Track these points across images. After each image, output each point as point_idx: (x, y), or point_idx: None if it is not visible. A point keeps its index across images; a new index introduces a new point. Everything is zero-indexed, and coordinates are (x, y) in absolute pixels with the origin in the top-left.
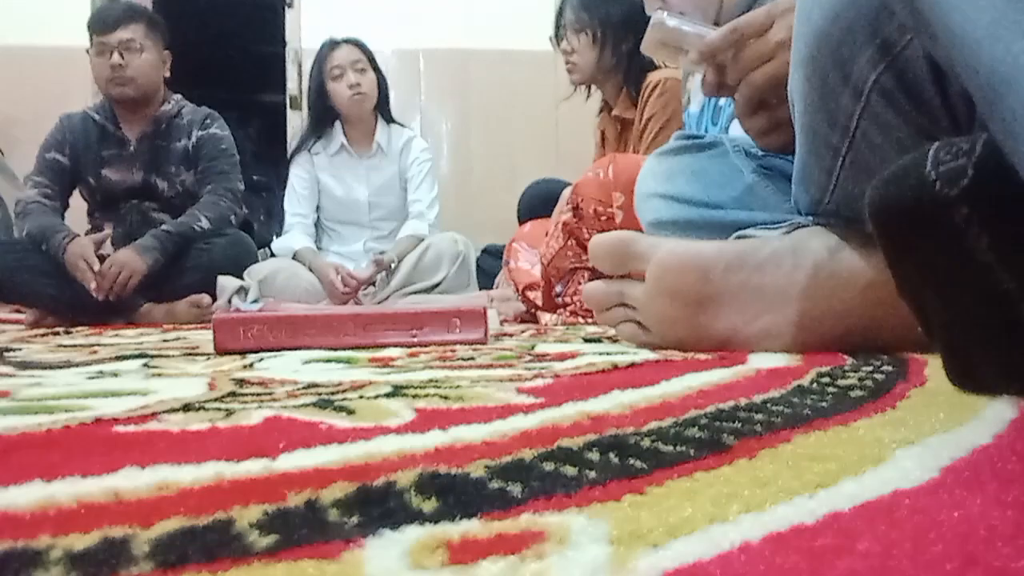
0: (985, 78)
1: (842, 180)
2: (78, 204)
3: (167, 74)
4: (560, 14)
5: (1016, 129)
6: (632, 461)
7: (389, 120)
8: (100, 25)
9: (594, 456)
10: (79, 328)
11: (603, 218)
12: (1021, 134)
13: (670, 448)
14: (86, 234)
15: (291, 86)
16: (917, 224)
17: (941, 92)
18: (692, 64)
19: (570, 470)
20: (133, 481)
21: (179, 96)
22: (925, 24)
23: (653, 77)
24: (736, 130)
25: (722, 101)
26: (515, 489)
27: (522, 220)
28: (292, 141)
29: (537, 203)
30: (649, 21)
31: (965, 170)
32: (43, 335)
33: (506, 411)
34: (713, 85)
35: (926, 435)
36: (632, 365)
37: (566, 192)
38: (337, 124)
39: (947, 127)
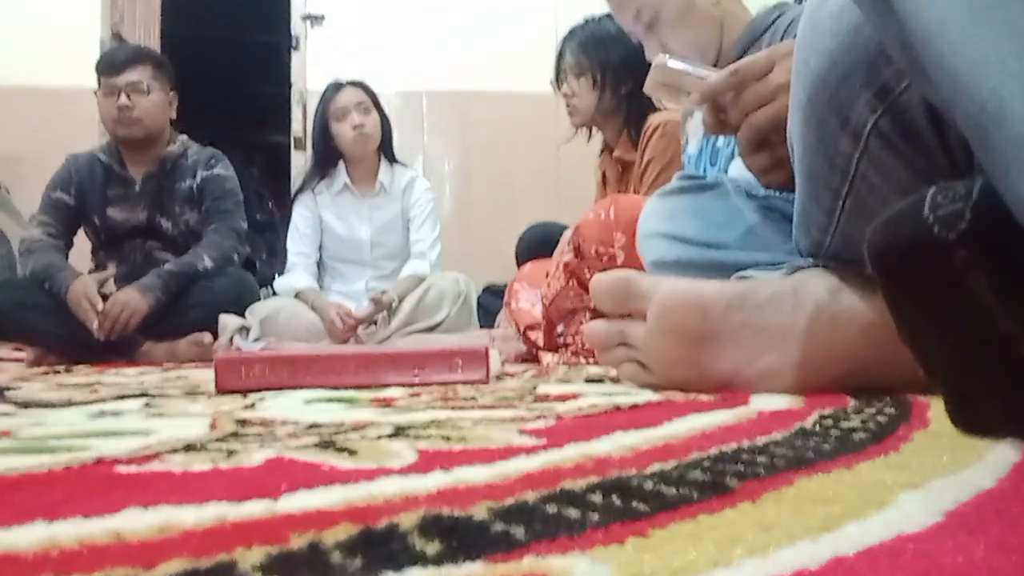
0: (976, 117)
1: (842, 222)
2: (82, 242)
3: (173, 115)
4: (560, 58)
5: (1005, 165)
6: (635, 503)
7: (392, 160)
8: (108, 67)
9: (597, 498)
10: (79, 367)
11: (604, 259)
12: (1010, 170)
13: (673, 490)
14: (89, 273)
15: (295, 127)
16: (917, 267)
17: (939, 135)
18: (694, 105)
19: (573, 512)
20: (135, 522)
21: (185, 136)
22: (920, 67)
23: (653, 119)
24: (735, 171)
25: (720, 142)
26: (518, 531)
27: (520, 262)
28: (296, 181)
29: (535, 246)
30: (648, 64)
31: (963, 214)
32: (44, 373)
33: (508, 452)
34: (714, 125)
35: (929, 478)
36: (634, 406)
37: (567, 233)
38: (341, 164)
39: (945, 170)
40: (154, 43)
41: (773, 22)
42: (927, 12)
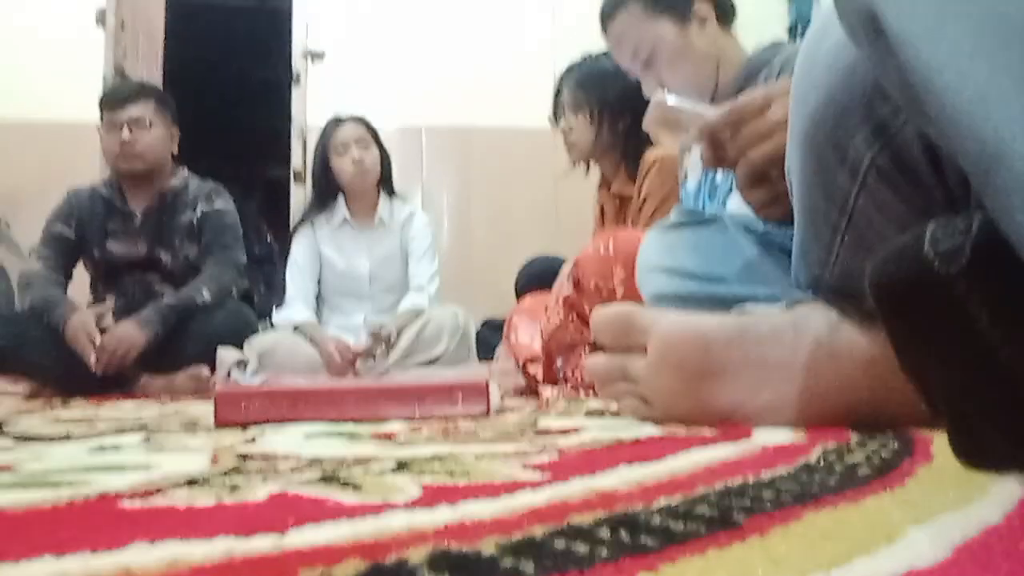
0: (977, 157)
1: (841, 257)
2: (81, 275)
3: (175, 150)
4: (558, 94)
5: (1007, 203)
6: (644, 538)
7: (391, 194)
8: (111, 102)
9: (605, 533)
10: (76, 400)
11: (604, 293)
12: (1012, 208)
13: (681, 525)
14: (88, 306)
15: (295, 161)
16: (918, 302)
17: (936, 172)
18: (692, 141)
19: (582, 547)
20: (144, 558)
21: (185, 170)
22: (918, 105)
23: (650, 155)
24: (733, 206)
25: (719, 178)
26: (528, 567)
27: (520, 295)
28: (295, 214)
29: (534, 279)
30: (645, 100)
31: (963, 248)
32: (40, 407)
33: (513, 487)
34: (712, 160)
35: (936, 513)
36: (637, 441)
37: (566, 267)
38: (340, 198)
39: (943, 205)
40: (157, 79)
41: (769, 60)
42: (927, 53)
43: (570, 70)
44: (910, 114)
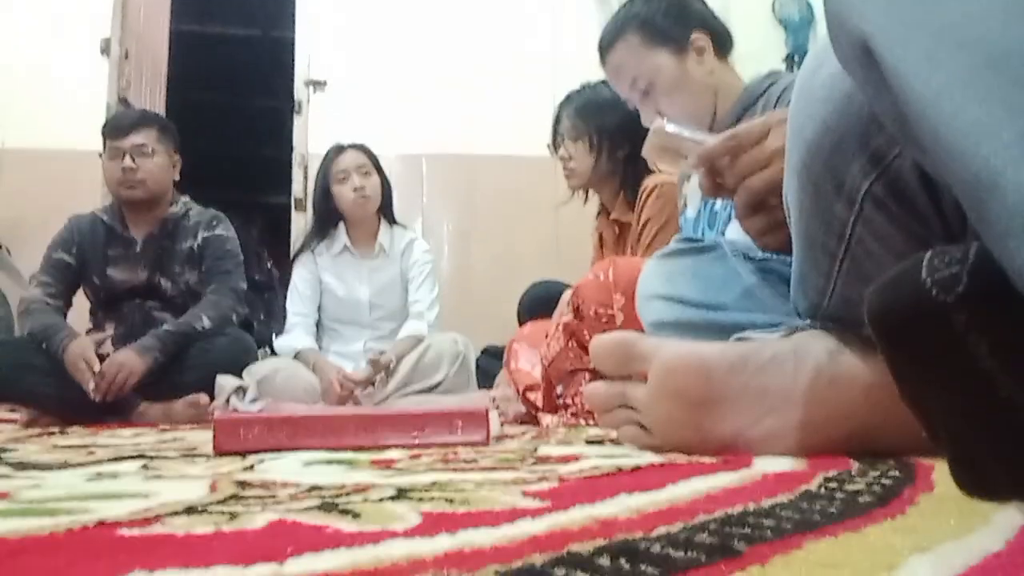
0: (971, 186)
1: (840, 285)
2: (81, 302)
3: (176, 177)
4: (557, 122)
5: (1001, 233)
6: (643, 567)
7: (392, 222)
8: (114, 130)
9: (605, 562)
10: (74, 428)
11: (604, 320)
12: (1006, 238)
13: (681, 554)
14: (87, 332)
15: (296, 188)
16: (916, 331)
17: (932, 200)
18: (691, 168)
19: None
20: None
21: (187, 198)
22: (912, 134)
23: (649, 181)
24: (732, 234)
25: (718, 206)
26: None
27: (523, 321)
28: (295, 242)
29: (538, 304)
30: (643, 128)
31: (959, 277)
32: (38, 435)
33: (513, 515)
34: (711, 188)
35: (937, 542)
36: (637, 468)
37: (566, 294)
38: (341, 225)
39: (940, 234)
40: (159, 108)
41: (766, 90)
42: (921, 85)
43: (569, 99)
44: (905, 144)
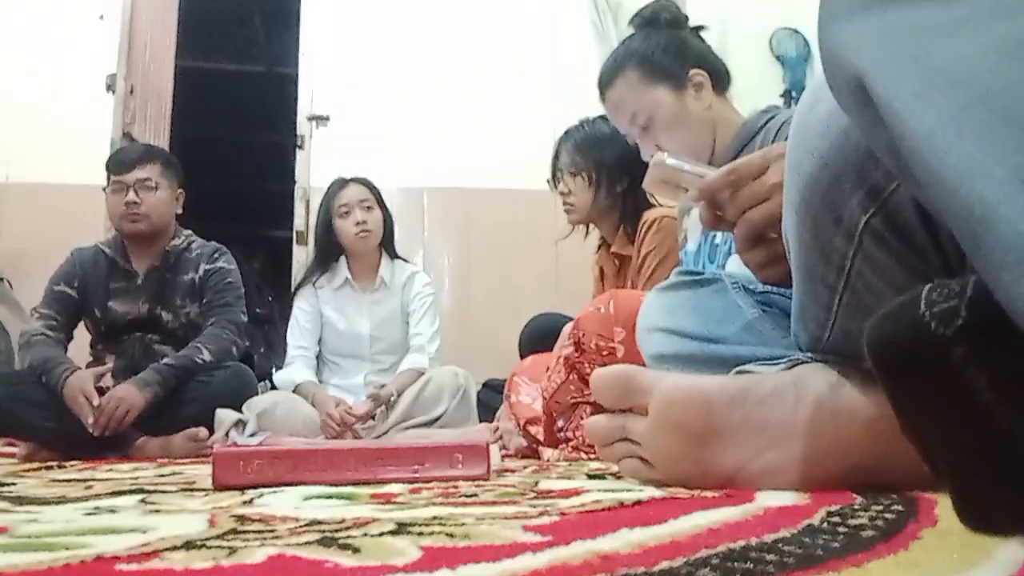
0: (965, 221)
1: (840, 318)
2: (81, 334)
3: (179, 211)
4: (556, 157)
5: (996, 268)
6: None
7: (393, 256)
8: (118, 165)
9: None
10: (72, 462)
11: (604, 353)
12: (1000, 273)
13: None
14: (88, 365)
15: (298, 222)
16: (915, 363)
17: (930, 234)
18: (691, 201)
19: None
20: None
21: (189, 232)
22: (907, 169)
23: (649, 215)
24: (733, 267)
25: (718, 239)
26: None
27: (524, 354)
28: (296, 275)
29: (539, 337)
30: (643, 163)
31: (958, 311)
32: (36, 469)
33: (514, 549)
34: (711, 221)
35: None
36: (638, 503)
37: (567, 327)
38: (342, 259)
39: (939, 267)
40: (163, 142)
41: (764, 125)
42: (915, 122)
43: (567, 134)
44: (901, 179)
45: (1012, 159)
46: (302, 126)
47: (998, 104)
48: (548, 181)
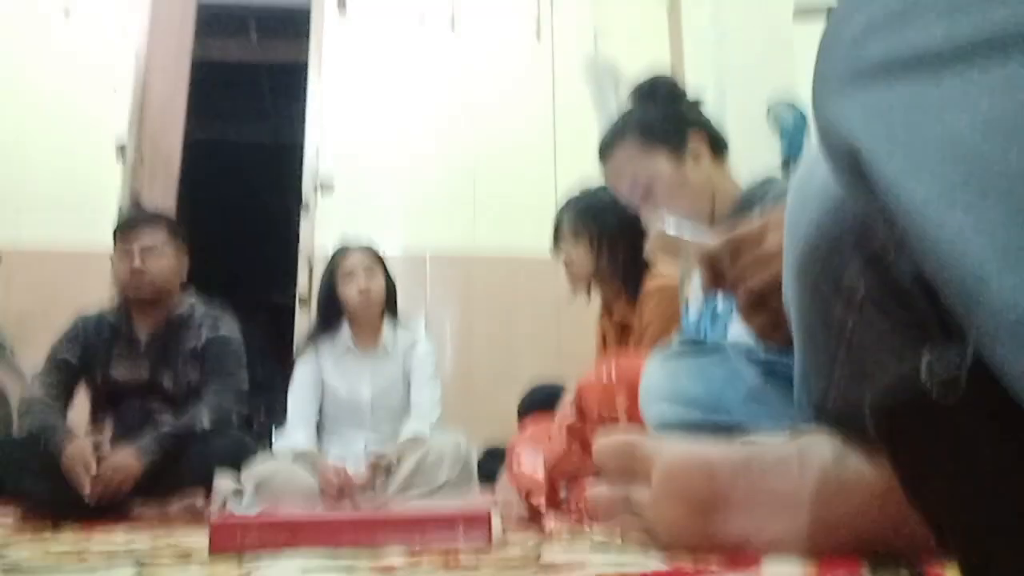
0: (959, 291)
1: (841, 385)
2: (81, 397)
3: (184, 278)
4: (558, 225)
5: (991, 336)
6: None
7: (395, 322)
8: (125, 230)
9: None
10: (66, 528)
11: (607, 420)
12: (993, 342)
13: None
14: (87, 432)
15: (301, 287)
16: (920, 435)
17: (930, 301)
18: (692, 267)
19: None
20: None
21: (193, 297)
22: (903, 240)
23: (651, 286)
24: (735, 333)
25: (720, 307)
26: None
27: (521, 419)
28: (299, 340)
29: (535, 407)
30: (643, 230)
31: (959, 380)
32: (30, 539)
33: None
34: (712, 288)
35: None
36: (643, 575)
37: (569, 394)
38: (344, 324)
39: (938, 333)
40: (170, 209)
41: (763, 195)
42: (907, 195)
43: (569, 202)
44: (898, 248)
45: (1001, 235)
46: (307, 193)
47: (986, 181)
48: (550, 248)
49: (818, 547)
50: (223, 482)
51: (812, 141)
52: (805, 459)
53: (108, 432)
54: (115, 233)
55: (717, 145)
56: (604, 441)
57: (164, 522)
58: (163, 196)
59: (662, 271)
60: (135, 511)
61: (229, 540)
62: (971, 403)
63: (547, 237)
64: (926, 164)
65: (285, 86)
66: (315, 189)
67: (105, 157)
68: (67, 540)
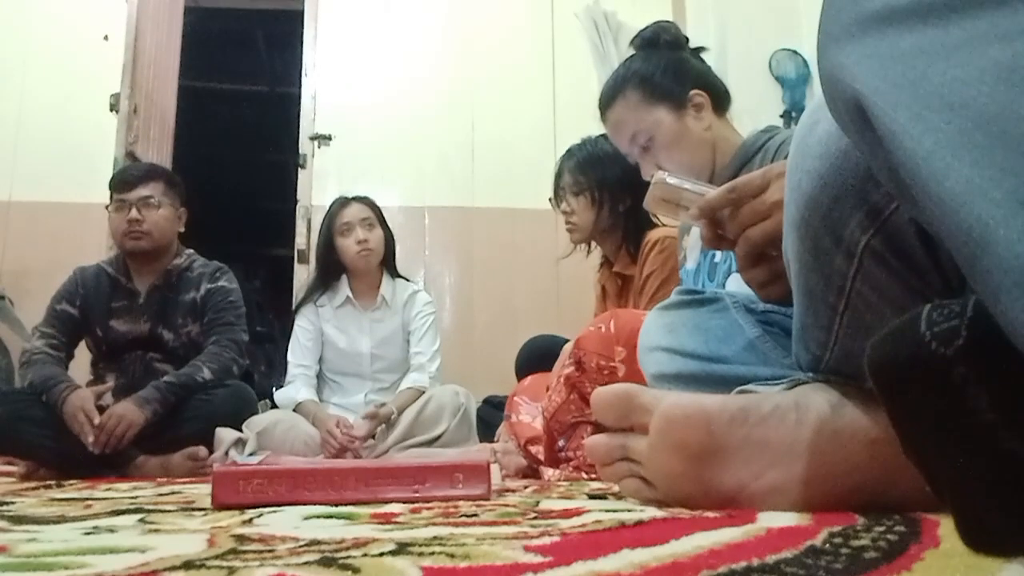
0: (963, 243)
1: (841, 338)
2: (82, 353)
3: (181, 229)
4: (559, 177)
5: (995, 289)
6: None
7: (394, 275)
8: (121, 183)
9: None
10: (71, 481)
11: (605, 372)
12: (998, 294)
13: None
14: (88, 383)
15: (300, 240)
16: (917, 384)
17: (930, 254)
18: (691, 219)
19: None
20: None
21: (191, 251)
22: (907, 190)
23: (652, 235)
24: (733, 286)
25: (718, 258)
26: None
27: (520, 376)
28: (297, 293)
29: (535, 359)
30: (644, 182)
31: (958, 331)
32: (35, 488)
33: (515, 570)
34: (712, 240)
35: None
36: (639, 523)
37: (567, 346)
38: (343, 277)
39: (939, 287)
40: (167, 161)
41: (764, 144)
42: (913, 144)
43: (570, 153)
44: (900, 200)
45: (1009, 181)
46: (304, 145)
47: (995, 128)
48: (550, 200)
49: (813, 498)
50: (226, 432)
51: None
52: (802, 410)
53: (110, 384)
54: (111, 186)
55: (719, 96)
56: (601, 392)
57: (168, 474)
58: (159, 147)
59: (664, 223)
60: (139, 463)
61: (231, 490)
62: (968, 357)
63: (546, 189)
64: (932, 112)
65: (281, 34)
66: (312, 141)
67: (99, 107)
68: (72, 491)
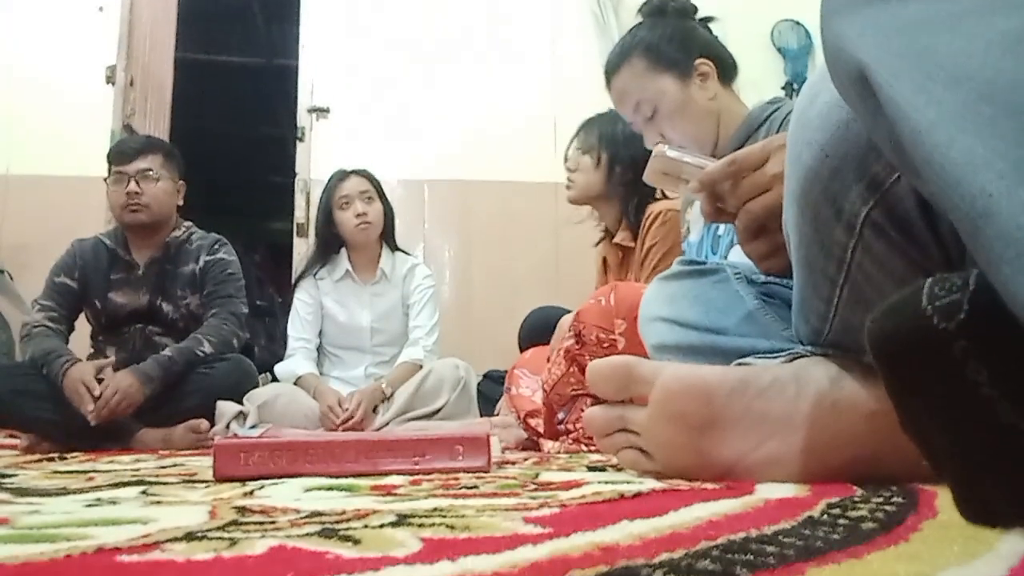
0: (966, 214)
1: (841, 311)
2: (82, 326)
3: (180, 202)
4: (576, 135)
5: (996, 261)
6: None
7: (394, 248)
8: (120, 156)
9: None
10: (73, 454)
11: (605, 345)
12: (1000, 265)
13: None
14: (88, 357)
15: (299, 214)
16: (917, 358)
17: (931, 227)
18: (692, 192)
19: None
20: None
21: (190, 223)
22: (909, 161)
23: (654, 208)
24: (735, 258)
25: (721, 230)
26: None
27: (523, 347)
28: (297, 267)
29: (537, 331)
30: (648, 155)
31: (960, 305)
32: (37, 461)
33: (514, 541)
34: (712, 213)
35: (941, 569)
36: (638, 494)
37: (567, 319)
38: (343, 251)
39: (939, 260)
40: (164, 134)
41: (769, 116)
42: (916, 115)
43: (594, 119)
44: (902, 171)
45: (1013, 153)
46: (302, 118)
47: (999, 99)
48: (565, 158)
49: (812, 470)
50: (226, 405)
51: (817, 62)
52: (801, 382)
53: (111, 359)
54: (109, 158)
55: (725, 66)
56: (600, 363)
57: (169, 446)
58: (156, 120)
59: (667, 196)
60: (140, 436)
61: (233, 462)
62: (969, 330)
63: (546, 162)
64: (936, 83)
65: (278, 5)
66: (310, 114)
67: (96, 80)
68: (74, 464)
